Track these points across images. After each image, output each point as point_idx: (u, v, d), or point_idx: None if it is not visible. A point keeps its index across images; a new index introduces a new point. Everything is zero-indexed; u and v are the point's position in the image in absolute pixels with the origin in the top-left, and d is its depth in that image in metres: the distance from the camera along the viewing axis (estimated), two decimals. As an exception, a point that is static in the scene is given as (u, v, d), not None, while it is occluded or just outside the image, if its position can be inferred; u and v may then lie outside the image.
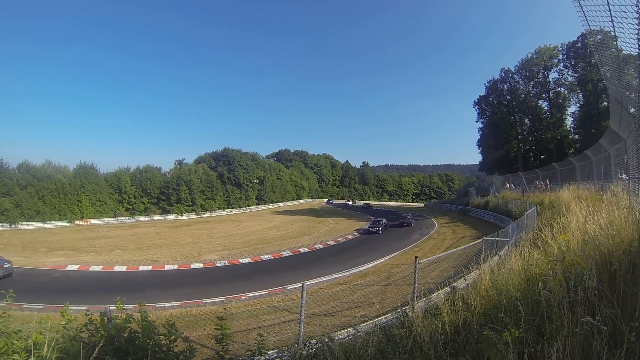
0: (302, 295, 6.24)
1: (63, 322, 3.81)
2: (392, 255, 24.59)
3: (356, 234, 37.55)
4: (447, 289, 6.96)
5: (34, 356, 3.24)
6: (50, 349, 3.25)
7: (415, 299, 6.82)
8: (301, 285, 6.36)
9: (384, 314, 6.93)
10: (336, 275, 20.06)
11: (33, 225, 52.98)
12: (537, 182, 32.01)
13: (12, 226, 51.45)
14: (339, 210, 70.08)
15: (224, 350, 4.00)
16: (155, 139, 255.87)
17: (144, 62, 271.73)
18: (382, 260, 23.37)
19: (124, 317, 3.85)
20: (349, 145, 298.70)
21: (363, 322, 7.13)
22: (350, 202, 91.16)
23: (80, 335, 3.81)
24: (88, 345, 3.29)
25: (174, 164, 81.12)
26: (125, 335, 3.68)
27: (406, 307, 6.14)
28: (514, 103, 61.10)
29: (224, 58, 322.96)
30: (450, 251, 17.03)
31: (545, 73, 57.79)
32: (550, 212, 19.32)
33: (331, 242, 32.83)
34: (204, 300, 16.95)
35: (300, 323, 6.12)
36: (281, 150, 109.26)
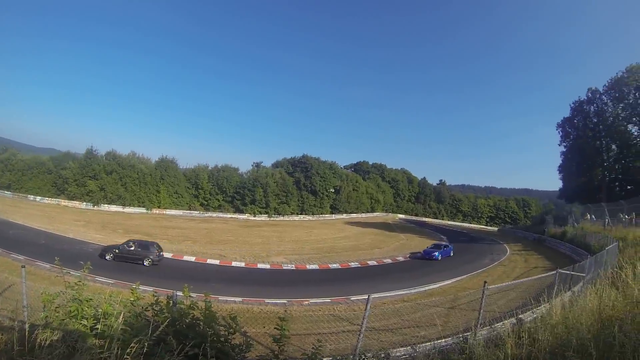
0: (366, 307, 6.19)
1: (132, 299, 4.04)
2: (459, 278, 23.94)
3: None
4: (513, 320, 6.64)
5: (101, 324, 3.48)
6: (117, 320, 3.47)
7: (478, 325, 6.53)
8: (366, 297, 6.31)
9: (444, 338, 6.63)
10: (401, 292, 19.70)
11: (114, 208, 57.82)
12: (622, 215, 29.15)
13: (95, 206, 56.58)
14: (411, 227, 67.73)
15: (280, 350, 4.02)
16: (235, 140, 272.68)
17: (229, 64, 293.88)
18: (449, 281, 22.83)
19: (189, 303, 3.99)
20: (428, 162, 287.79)
21: (422, 343, 6.99)
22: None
23: (145, 313, 3.98)
24: (151, 323, 3.43)
25: (252, 166, 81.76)
26: (187, 320, 3.81)
27: (468, 334, 5.91)
28: (601, 127, 52.95)
29: (308, 64, 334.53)
30: (520, 280, 16.05)
31: (637, 94, 48.80)
32: (634, 249, 17.10)
33: (400, 258, 32.50)
34: (267, 300, 17.37)
35: (359, 335, 6.05)
36: (360, 161, 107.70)
